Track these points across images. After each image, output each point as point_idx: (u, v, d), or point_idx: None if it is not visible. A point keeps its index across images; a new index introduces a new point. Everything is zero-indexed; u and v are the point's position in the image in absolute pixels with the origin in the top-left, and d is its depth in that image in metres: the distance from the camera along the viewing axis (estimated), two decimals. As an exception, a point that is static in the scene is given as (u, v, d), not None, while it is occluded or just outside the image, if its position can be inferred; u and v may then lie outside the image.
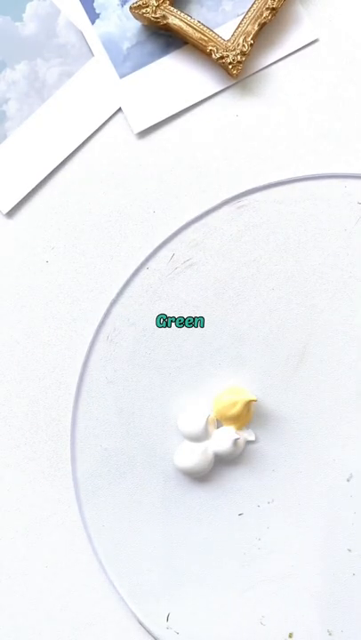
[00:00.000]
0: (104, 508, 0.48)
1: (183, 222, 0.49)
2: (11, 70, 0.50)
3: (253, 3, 0.48)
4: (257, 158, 0.50)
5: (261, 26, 0.48)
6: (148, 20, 0.48)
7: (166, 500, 0.48)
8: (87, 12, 0.50)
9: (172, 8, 0.48)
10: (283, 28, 0.50)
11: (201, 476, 0.47)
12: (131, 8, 0.48)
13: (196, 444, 0.47)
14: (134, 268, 0.49)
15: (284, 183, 0.49)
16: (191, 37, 0.48)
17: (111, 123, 0.50)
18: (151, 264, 0.49)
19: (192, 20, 0.48)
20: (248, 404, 0.47)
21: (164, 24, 0.48)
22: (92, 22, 0.50)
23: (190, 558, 0.48)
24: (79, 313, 0.49)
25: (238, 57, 0.48)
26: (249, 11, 0.48)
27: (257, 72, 0.50)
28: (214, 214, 0.49)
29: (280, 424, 0.48)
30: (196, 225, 0.49)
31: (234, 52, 0.48)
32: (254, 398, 0.47)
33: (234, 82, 0.50)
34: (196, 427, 0.47)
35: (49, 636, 0.48)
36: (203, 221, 0.49)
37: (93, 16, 0.50)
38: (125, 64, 0.50)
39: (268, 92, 0.50)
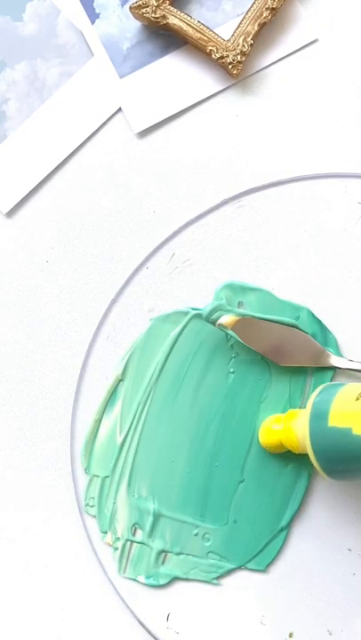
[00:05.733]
0: (104, 508, 0.48)
1: (183, 222, 0.49)
2: (11, 70, 0.50)
3: (253, 3, 0.48)
4: (257, 158, 0.50)
5: (261, 26, 0.48)
6: (148, 19, 0.48)
7: (166, 499, 0.48)
8: (87, 12, 0.50)
9: (172, 8, 0.48)
10: (283, 28, 0.50)
11: None
12: (131, 8, 0.48)
13: None
14: (134, 267, 0.49)
15: (284, 183, 0.49)
16: (191, 37, 0.48)
17: (111, 123, 0.50)
18: (151, 264, 0.49)
19: (192, 20, 0.48)
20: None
21: (164, 24, 0.48)
22: (92, 22, 0.50)
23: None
24: (79, 313, 0.49)
25: (238, 57, 0.48)
26: (249, 11, 0.48)
27: (257, 72, 0.50)
28: (214, 214, 0.49)
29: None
30: (196, 225, 0.49)
31: (234, 52, 0.48)
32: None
33: (234, 82, 0.50)
34: None
35: (49, 635, 0.48)
36: (203, 221, 0.49)
37: (93, 16, 0.50)
38: (125, 64, 0.50)
39: (268, 91, 0.50)
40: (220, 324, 0.46)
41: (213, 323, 0.47)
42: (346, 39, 0.50)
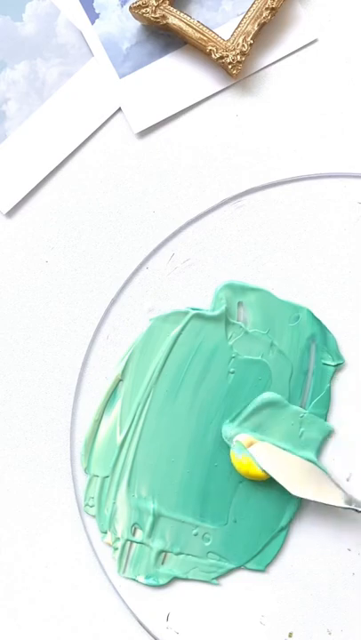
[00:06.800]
0: (104, 508, 0.48)
1: (183, 222, 0.49)
2: (11, 70, 0.50)
3: (253, 3, 0.48)
4: (257, 158, 0.50)
5: (261, 26, 0.48)
6: (148, 20, 0.48)
7: (166, 499, 0.48)
8: (87, 12, 0.50)
9: (171, 8, 0.48)
10: (282, 28, 0.50)
11: None
12: (130, 8, 0.48)
13: None
14: (134, 267, 0.49)
15: (284, 183, 0.49)
16: (191, 37, 0.48)
17: (111, 123, 0.50)
18: (151, 264, 0.49)
19: (192, 20, 0.48)
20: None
21: (164, 24, 0.48)
22: (92, 22, 0.50)
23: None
24: (79, 313, 0.49)
25: (238, 57, 0.48)
26: (249, 11, 0.48)
27: (257, 72, 0.50)
28: (214, 214, 0.49)
29: (280, 424, 0.48)
30: (196, 225, 0.49)
31: (233, 52, 0.48)
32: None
33: (234, 82, 0.50)
34: None
35: (49, 636, 0.48)
36: (203, 221, 0.49)
37: (93, 16, 0.50)
38: (125, 64, 0.50)
39: (267, 91, 0.50)
40: (237, 442, 0.46)
41: (230, 438, 0.47)
42: (346, 39, 0.50)
